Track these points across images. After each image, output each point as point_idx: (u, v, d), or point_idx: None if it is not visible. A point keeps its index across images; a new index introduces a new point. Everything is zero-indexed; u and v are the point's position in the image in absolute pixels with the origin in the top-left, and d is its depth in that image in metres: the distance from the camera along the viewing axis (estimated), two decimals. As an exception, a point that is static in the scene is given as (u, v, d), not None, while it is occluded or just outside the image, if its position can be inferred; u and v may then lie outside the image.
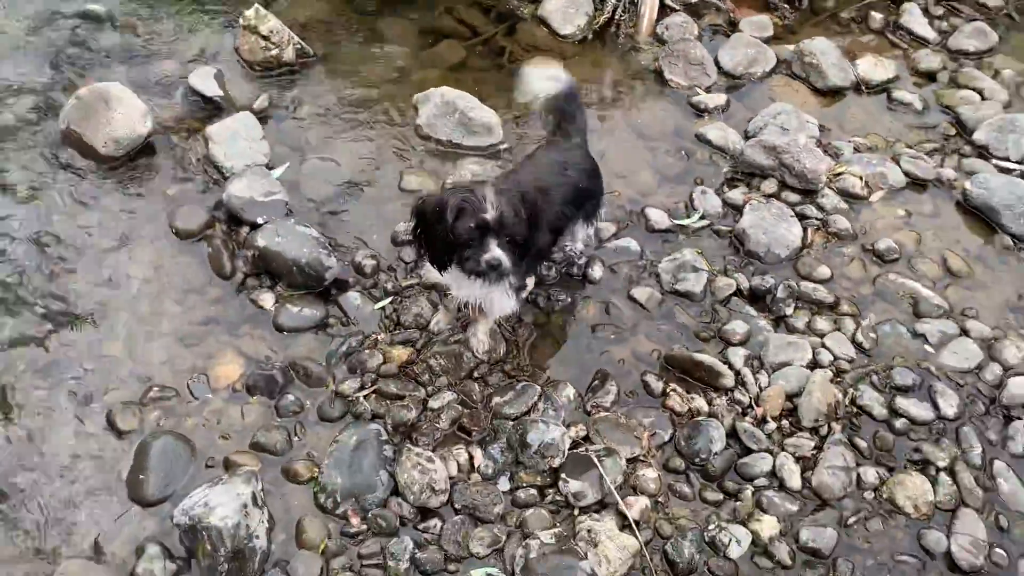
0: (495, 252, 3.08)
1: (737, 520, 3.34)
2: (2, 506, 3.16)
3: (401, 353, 3.71)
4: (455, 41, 5.28)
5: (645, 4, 5.43)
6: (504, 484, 3.39)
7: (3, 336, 3.61)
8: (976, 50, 5.59)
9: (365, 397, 3.57)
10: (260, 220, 4.03)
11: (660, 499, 3.39)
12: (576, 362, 3.81)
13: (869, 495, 3.46)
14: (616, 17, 5.47)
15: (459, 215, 3.07)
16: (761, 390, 3.72)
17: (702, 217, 4.42)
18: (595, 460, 3.38)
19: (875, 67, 5.33)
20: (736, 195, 4.52)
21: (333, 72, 4.99)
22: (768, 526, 3.31)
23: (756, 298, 4.08)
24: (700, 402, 3.66)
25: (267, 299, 3.87)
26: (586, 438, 3.51)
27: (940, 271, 4.31)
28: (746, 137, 4.82)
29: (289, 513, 3.25)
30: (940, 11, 5.89)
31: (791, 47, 5.39)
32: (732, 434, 3.58)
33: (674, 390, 3.69)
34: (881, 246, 4.34)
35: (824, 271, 4.20)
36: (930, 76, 5.41)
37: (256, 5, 4.85)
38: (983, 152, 4.93)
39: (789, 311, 4.03)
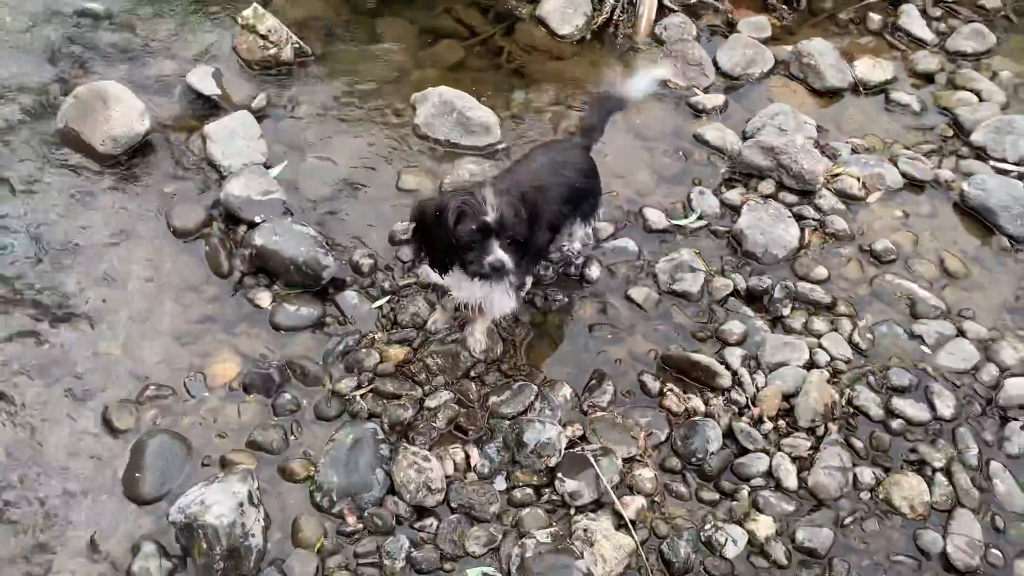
0: (498, 254, 3.08)
1: (733, 520, 3.34)
2: (-2, 504, 3.16)
3: (398, 352, 3.71)
4: (454, 41, 5.28)
5: (643, 4, 5.43)
6: (500, 483, 3.38)
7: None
8: (974, 52, 5.59)
9: (362, 396, 3.56)
10: (258, 219, 4.03)
11: (656, 499, 3.39)
12: (573, 362, 3.81)
13: (865, 495, 3.46)
14: (614, 17, 5.47)
15: (460, 218, 3.06)
16: (758, 390, 3.72)
17: (700, 217, 4.42)
18: (591, 460, 3.38)
19: (873, 68, 5.33)
20: (734, 195, 4.52)
21: (331, 71, 4.98)
22: (764, 526, 3.31)
23: (753, 298, 4.08)
24: (697, 402, 3.66)
25: (264, 298, 3.86)
26: (582, 438, 3.51)
27: (937, 272, 4.31)
28: (744, 138, 4.82)
29: (285, 512, 3.25)
30: (938, 12, 5.88)
31: (789, 48, 5.38)
32: (728, 434, 3.58)
33: (671, 390, 3.69)
34: (878, 247, 4.34)
35: (821, 272, 4.20)
36: (928, 77, 5.41)
37: (254, 4, 4.84)
38: (980, 153, 4.93)
39: (786, 311, 4.03)
